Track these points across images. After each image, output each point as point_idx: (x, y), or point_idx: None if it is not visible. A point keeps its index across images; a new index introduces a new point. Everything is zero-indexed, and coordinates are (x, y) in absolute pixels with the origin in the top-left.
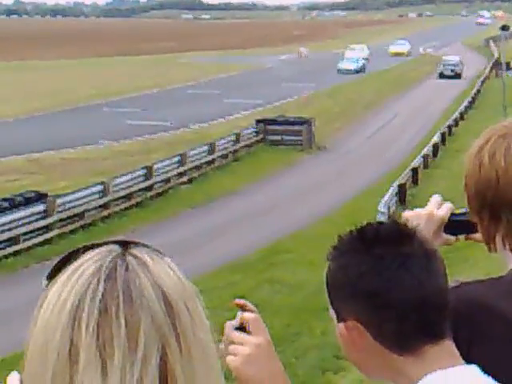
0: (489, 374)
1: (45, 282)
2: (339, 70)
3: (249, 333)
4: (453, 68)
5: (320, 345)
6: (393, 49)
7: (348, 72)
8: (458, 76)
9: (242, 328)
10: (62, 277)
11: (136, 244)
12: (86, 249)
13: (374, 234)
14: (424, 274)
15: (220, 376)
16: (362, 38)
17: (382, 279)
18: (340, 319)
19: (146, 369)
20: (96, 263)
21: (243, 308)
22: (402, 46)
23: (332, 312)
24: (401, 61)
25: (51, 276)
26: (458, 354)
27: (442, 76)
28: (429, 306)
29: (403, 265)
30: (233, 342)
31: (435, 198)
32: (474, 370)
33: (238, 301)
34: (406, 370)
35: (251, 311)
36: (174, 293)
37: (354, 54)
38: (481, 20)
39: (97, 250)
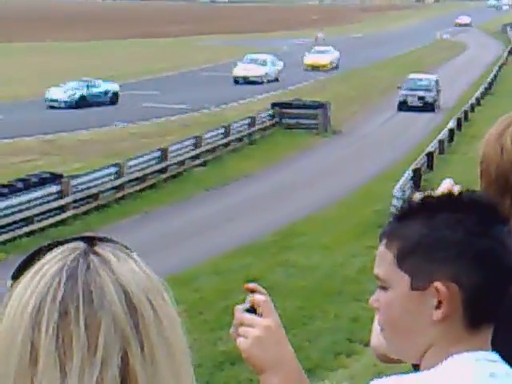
0: (511, 363)
1: (9, 282)
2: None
3: (259, 315)
4: (423, 94)
5: (333, 328)
6: (310, 59)
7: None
8: (429, 107)
9: (252, 310)
10: (25, 278)
11: (102, 240)
12: (51, 247)
13: (472, 200)
14: None
15: (190, 375)
16: (380, 23)
17: (495, 241)
18: (425, 280)
19: (106, 371)
20: (58, 263)
21: (254, 292)
22: (323, 56)
23: (392, 273)
24: (415, 47)
25: (16, 276)
26: (490, 339)
27: (403, 107)
28: None
29: (510, 233)
30: (243, 324)
31: (447, 182)
32: (497, 357)
33: (248, 285)
34: (454, 344)
35: (263, 294)
36: (138, 291)
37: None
38: (460, 21)
39: (61, 249)
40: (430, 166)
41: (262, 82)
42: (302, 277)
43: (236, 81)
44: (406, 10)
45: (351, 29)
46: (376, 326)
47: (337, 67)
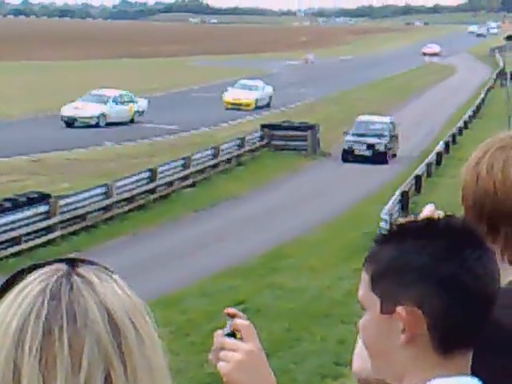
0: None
1: None
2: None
3: (240, 340)
4: (373, 141)
5: (320, 351)
6: (230, 96)
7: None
8: (380, 157)
9: (233, 335)
10: (8, 298)
11: (84, 262)
12: (33, 268)
13: (446, 224)
14: (493, 273)
15: None
16: (369, 45)
17: (461, 267)
18: (391, 304)
19: None
20: (41, 283)
21: (234, 317)
22: (248, 93)
23: (368, 297)
24: (406, 69)
25: None
26: (470, 364)
27: (348, 156)
28: (488, 306)
29: (481, 258)
30: (224, 348)
31: (429, 207)
32: (476, 382)
33: (228, 310)
34: (428, 368)
35: (243, 319)
36: (121, 312)
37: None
38: (427, 50)
39: (43, 270)
40: (417, 189)
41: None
42: (289, 299)
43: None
44: (395, 32)
45: (340, 50)
46: (358, 351)
47: (268, 105)
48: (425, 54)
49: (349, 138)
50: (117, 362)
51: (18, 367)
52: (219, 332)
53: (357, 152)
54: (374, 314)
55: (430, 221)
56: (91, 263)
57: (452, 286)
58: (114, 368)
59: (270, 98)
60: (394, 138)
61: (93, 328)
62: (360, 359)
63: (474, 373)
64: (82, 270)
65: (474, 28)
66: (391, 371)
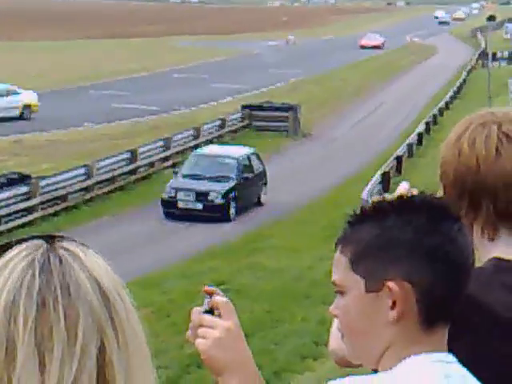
0: (469, 366)
1: None
2: None
3: (218, 317)
4: (209, 188)
5: (300, 331)
6: None
7: None
8: (217, 212)
9: (210, 312)
10: None
11: (61, 238)
12: (9, 245)
13: (422, 200)
14: (471, 245)
15: (152, 366)
16: (350, 26)
17: (445, 238)
18: (378, 281)
19: (85, 361)
20: (27, 257)
21: (212, 294)
22: None
23: (348, 278)
24: (386, 50)
25: None
26: (446, 340)
27: (169, 211)
28: (467, 277)
29: (461, 230)
30: (202, 326)
31: (403, 185)
32: (452, 358)
33: (206, 287)
34: (409, 345)
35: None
36: (108, 284)
37: None
38: (365, 42)
39: (23, 245)
40: (398, 170)
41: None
42: (270, 280)
43: None
44: (377, 12)
45: (321, 31)
46: (334, 331)
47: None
48: (363, 47)
49: (174, 182)
50: (109, 331)
51: (11, 341)
52: (197, 309)
53: (182, 205)
54: (357, 294)
55: (406, 197)
56: (68, 239)
57: (438, 258)
58: (107, 337)
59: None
60: (252, 180)
61: (86, 299)
62: (337, 338)
63: (453, 352)
64: (65, 244)
65: (439, 13)
66: (371, 354)
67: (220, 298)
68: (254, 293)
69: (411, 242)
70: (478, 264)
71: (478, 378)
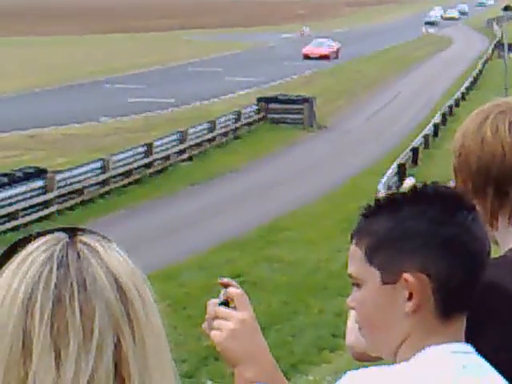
0: (498, 354)
1: None
2: None
3: (233, 308)
4: None
5: (317, 323)
6: None
7: None
8: None
9: (226, 304)
10: (11, 266)
11: (83, 231)
12: (32, 238)
13: (435, 190)
14: (486, 234)
15: (171, 362)
16: (365, 18)
17: (461, 228)
18: (395, 273)
19: (101, 357)
20: (46, 251)
21: (227, 286)
22: None
23: (364, 270)
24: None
25: None
26: (463, 330)
27: None
28: (484, 266)
29: (476, 220)
30: (217, 317)
31: (409, 181)
32: (470, 348)
33: (223, 280)
34: (427, 336)
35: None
36: (127, 279)
37: None
38: (309, 51)
39: (44, 239)
40: (414, 161)
41: None
42: (287, 272)
43: None
44: (391, 4)
45: (336, 23)
46: (351, 325)
47: None
48: (307, 57)
49: None
50: (126, 328)
51: (27, 335)
52: (213, 301)
53: None
54: (373, 286)
55: (420, 188)
56: (90, 232)
57: (455, 247)
58: (124, 334)
59: None
60: None
61: (102, 295)
62: (354, 332)
63: (484, 342)
64: (84, 238)
65: (434, 12)
66: (388, 345)
67: (235, 290)
68: (271, 285)
69: (426, 232)
70: (502, 252)
71: (506, 364)
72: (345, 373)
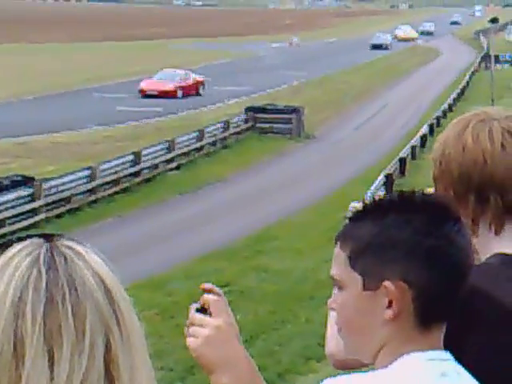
0: (483, 359)
1: None
2: None
3: (210, 315)
4: None
5: (304, 332)
6: None
7: None
8: None
9: (204, 310)
10: None
11: (61, 237)
12: (11, 243)
13: (422, 199)
14: (470, 245)
15: (150, 363)
16: (354, 28)
17: (444, 239)
18: (376, 280)
19: (94, 357)
20: (30, 255)
21: (209, 292)
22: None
23: (346, 274)
24: (390, 52)
25: None
26: (442, 338)
27: None
28: (466, 278)
29: (460, 231)
30: (193, 324)
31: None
32: (448, 355)
33: (204, 285)
34: (405, 343)
35: (217, 295)
36: (111, 281)
37: None
38: (145, 86)
39: (23, 244)
40: (402, 172)
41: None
42: (274, 281)
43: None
44: (380, 15)
45: (325, 33)
46: (331, 333)
47: None
48: (144, 94)
49: None
50: (114, 328)
51: (19, 337)
52: (194, 305)
53: None
54: (355, 291)
55: (406, 196)
56: (68, 237)
57: (437, 259)
58: (113, 333)
59: None
60: None
61: (92, 296)
62: (335, 340)
63: (469, 347)
64: (66, 242)
65: (399, 30)
66: (367, 349)
67: (210, 296)
68: (258, 294)
69: (409, 242)
70: (482, 259)
71: (493, 369)
72: (322, 381)
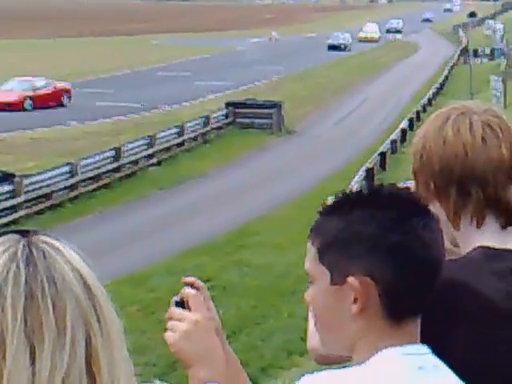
0: (465, 351)
1: None
2: None
3: (189, 309)
4: None
5: (286, 327)
6: None
7: None
8: None
9: (183, 304)
10: None
11: (36, 233)
12: None
13: (390, 193)
14: (438, 238)
15: (129, 358)
16: (333, 23)
17: (407, 235)
18: (342, 275)
19: (75, 352)
20: (7, 251)
21: (192, 286)
22: None
23: (316, 268)
24: (371, 46)
25: None
26: (419, 332)
27: None
28: (437, 271)
29: (425, 225)
30: (171, 318)
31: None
32: (425, 349)
33: (186, 279)
34: (379, 338)
35: (199, 288)
36: (89, 275)
37: None
38: None
39: (0, 240)
40: (382, 166)
41: None
42: (256, 276)
43: None
44: (359, 10)
45: (305, 28)
46: (312, 328)
47: None
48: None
49: None
50: (94, 323)
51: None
52: (175, 298)
53: None
54: (323, 285)
55: (374, 191)
56: (43, 233)
57: (402, 254)
58: (93, 329)
59: None
60: None
61: (72, 291)
62: (315, 335)
63: (452, 340)
64: (43, 237)
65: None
66: (342, 343)
67: (189, 290)
68: (241, 289)
69: (373, 237)
70: (463, 252)
71: (476, 362)
72: (301, 376)
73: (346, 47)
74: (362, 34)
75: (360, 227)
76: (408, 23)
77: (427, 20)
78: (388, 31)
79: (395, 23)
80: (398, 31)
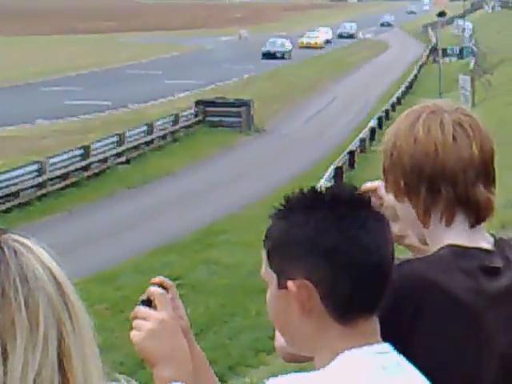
0: (432, 349)
1: None
2: None
3: (155, 308)
4: None
5: (254, 325)
6: None
7: None
8: None
9: (150, 303)
10: None
11: (4, 231)
12: None
13: (332, 194)
14: (381, 239)
15: (99, 356)
16: (302, 22)
17: (343, 237)
18: (284, 279)
19: (47, 350)
20: None
21: (160, 285)
22: None
23: (268, 272)
24: (340, 44)
25: None
26: (379, 331)
27: None
28: (381, 273)
29: (364, 226)
30: (137, 317)
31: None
32: (387, 348)
33: (154, 279)
34: (335, 339)
35: (167, 288)
36: (60, 273)
37: None
38: None
39: None
40: (351, 164)
41: None
42: (225, 274)
43: None
44: (329, 9)
45: (274, 27)
46: None
47: None
48: None
49: None
50: (66, 320)
51: None
52: (141, 298)
53: None
54: (273, 289)
55: (315, 192)
56: (11, 231)
57: (336, 257)
58: (65, 326)
59: None
60: None
61: (44, 289)
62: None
63: (419, 337)
64: (12, 236)
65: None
66: (300, 344)
67: (155, 289)
68: (209, 288)
69: (309, 240)
70: (432, 250)
71: (442, 360)
72: (267, 379)
73: (283, 55)
74: (303, 40)
75: (297, 230)
76: (376, 24)
77: (387, 24)
78: (340, 36)
79: (348, 27)
80: (351, 36)
